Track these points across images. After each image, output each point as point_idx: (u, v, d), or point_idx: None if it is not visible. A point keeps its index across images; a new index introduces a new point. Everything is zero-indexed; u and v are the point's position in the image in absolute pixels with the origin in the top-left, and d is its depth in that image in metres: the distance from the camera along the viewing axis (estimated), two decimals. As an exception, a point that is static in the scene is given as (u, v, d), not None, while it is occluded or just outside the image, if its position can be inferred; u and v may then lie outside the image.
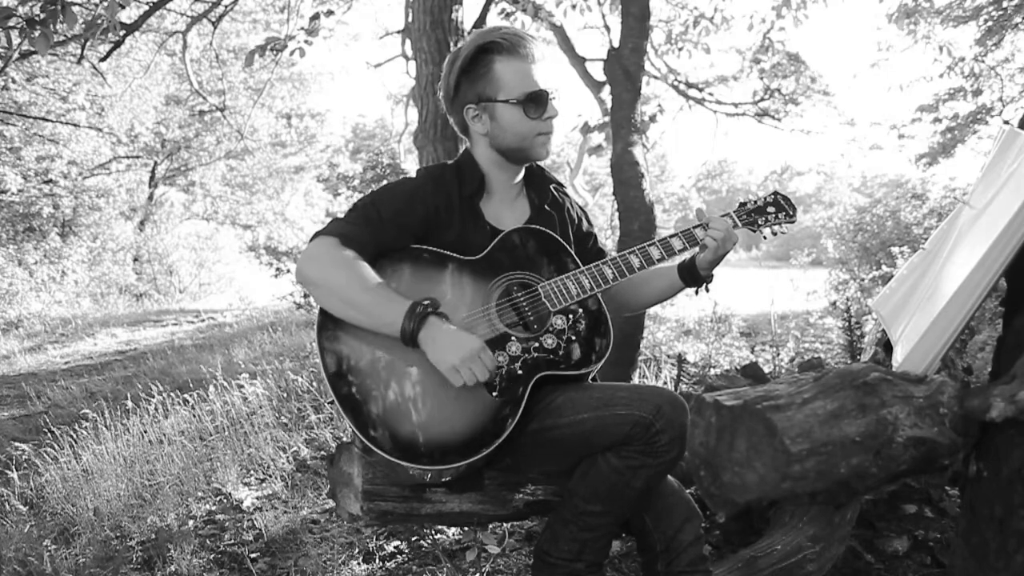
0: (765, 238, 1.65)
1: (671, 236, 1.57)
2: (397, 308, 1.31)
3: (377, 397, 1.34)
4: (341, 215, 1.46)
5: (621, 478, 1.35)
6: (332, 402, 1.35)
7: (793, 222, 1.65)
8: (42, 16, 2.81)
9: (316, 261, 1.36)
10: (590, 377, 1.54)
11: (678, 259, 1.61)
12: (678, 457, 1.34)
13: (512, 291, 1.48)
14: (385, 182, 1.56)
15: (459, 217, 1.51)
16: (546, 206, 1.64)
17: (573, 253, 1.57)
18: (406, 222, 1.45)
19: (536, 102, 1.47)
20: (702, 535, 1.50)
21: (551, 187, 1.67)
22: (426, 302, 1.33)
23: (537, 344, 1.44)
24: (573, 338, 1.47)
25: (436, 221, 1.48)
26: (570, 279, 1.49)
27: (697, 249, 1.58)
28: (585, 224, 1.72)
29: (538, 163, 1.67)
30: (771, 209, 1.63)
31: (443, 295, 1.41)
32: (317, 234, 1.41)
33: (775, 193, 1.65)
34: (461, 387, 1.34)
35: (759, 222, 1.62)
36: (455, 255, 1.48)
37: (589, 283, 1.49)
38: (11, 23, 2.81)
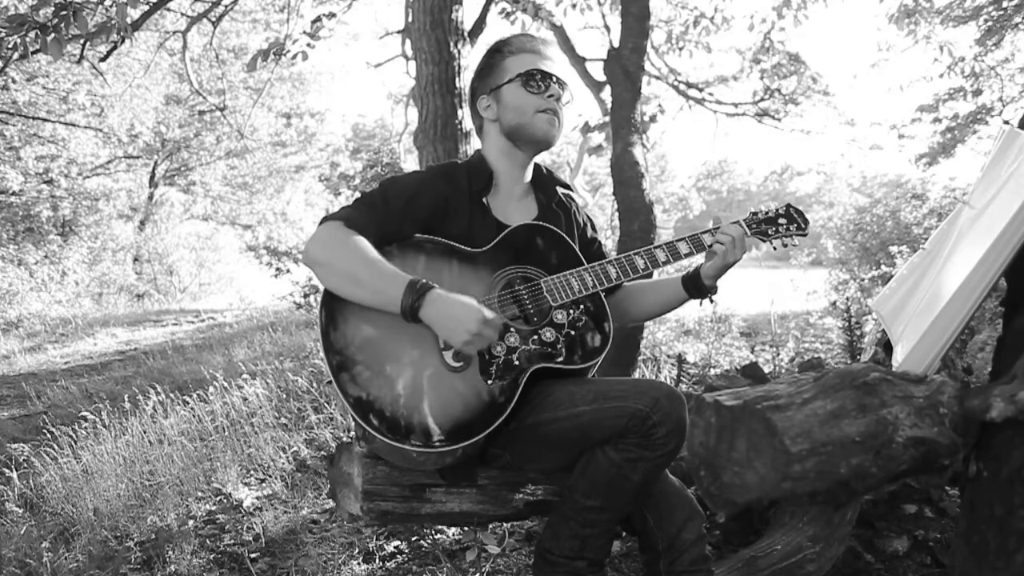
0: (775, 248, 1.66)
1: (678, 240, 1.58)
2: (398, 284, 1.34)
3: (376, 379, 1.35)
4: (349, 204, 1.50)
5: (619, 471, 1.35)
6: (330, 382, 1.36)
7: (804, 235, 1.66)
8: (55, 21, 2.83)
9: (322, 242, 1.40)
10: (589, 374, 1.54)
11: (684, 264, 1.62)
12: (676, 450, 1.34)
13: (515, 284, 1.50)
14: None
15: (467, 211, 1.53)
16: (553, 205, 1.67)
17: (578, 251, 1.58)
18: (412, 210, 1.47)
19: (535, 77, 1.52)
20: (704, 534, 1.51)
21: (558, 188, 1.70)
22: (425, 279, 1.35)
23: (536, 336, 1.46)
24: (572, 333, 1.49)
25: (444, 212, 1.51)
26: (573, 276, 1.51)
27: (704, 255, 1.59)
28: (590, 230, 1.74)
29: (547, 168, 1.71)
30: (782, 220, 1.64)
31: (446, 284, 1.42)
32: (325, 219, 1.45)
33: (787, 205, 1.67)
34: (458, 372, 1.37)
35: (769, 232, 1.63)
36: (460, 246, 1.50)
37: (592, 281, 1.51)
38: (23, 29, 2.83)
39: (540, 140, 1.56)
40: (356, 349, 1.37)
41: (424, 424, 1.34)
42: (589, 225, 1.75)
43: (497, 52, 1.58)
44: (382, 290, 1.35)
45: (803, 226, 1.65)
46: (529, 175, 1.65)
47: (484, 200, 1.57)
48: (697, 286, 1.61)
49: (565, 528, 1.42)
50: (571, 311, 1.50)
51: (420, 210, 1.48)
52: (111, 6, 3.34)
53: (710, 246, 1.57)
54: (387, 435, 1.31)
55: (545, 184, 1.68)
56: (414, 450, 1.32)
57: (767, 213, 1.65)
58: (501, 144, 1.59)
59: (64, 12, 2.82)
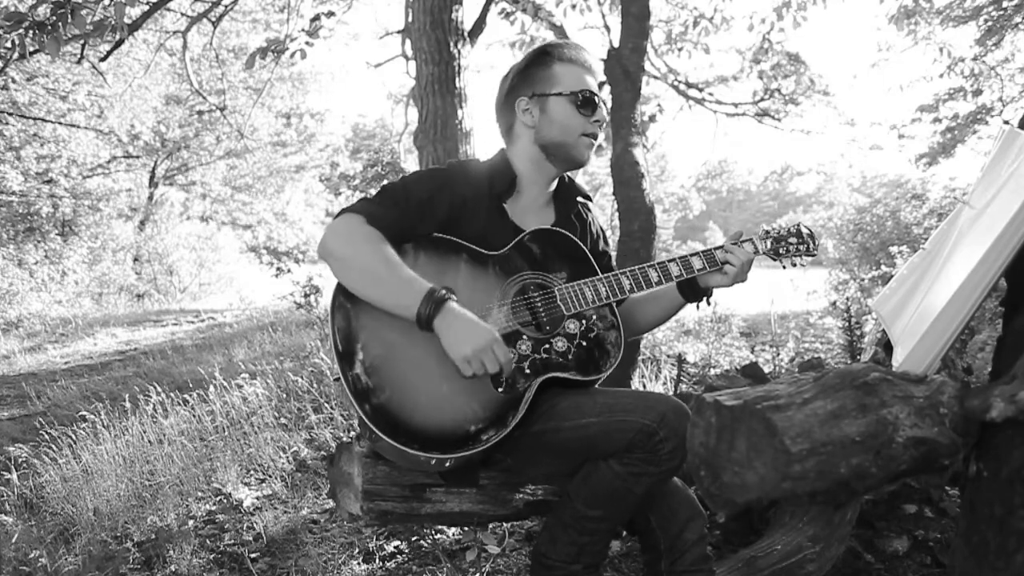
0: (784, 267, 1.66)
1: (692, 255, 1.58)
2: (416, 291, 1.32)
3: (385, 380, 1.34)
4: (368, 196, 1.48)
5: (623, 484, 1.35)
6: (337, 379, 1.35)
7: (813, 255, 1.67)
8: (52, 19, 2.83)
9: (341, 236, 1.38)
10: (597, 384, 1.54)
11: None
12: (680, 465, 1.34)
13: (528, 290, 1.49)
14: (386, 181, 1.58)
15: (485, 213, 1.52)
16: (572, 215, 1.66)
17: (593, 261, 1.57)
18: (432, 208, 1.46)
19: (588, 100, 1.51)
20: (706, 535, 1.50)
21: (578, 199, 1.69)
22: (443, 289, 1.34)
23: (548, 345, 1.45)
24: (584, 343, 1.47)
25: (462, 212, 1.49)
26: (587, 285, 1.49)
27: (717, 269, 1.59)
28: (602, 243, 1.72)
29: (570, 176, 1.70)
30: (793, 240, 1.64)
31: (459, 285, 1.42)
32: (343, 211, 1.42)
33: (798, 224, 1.67)
34: (468, 379, 1.35)
35: (780, 251, 1.63)
36: (476, 248, 1.49)
37: (606, 291, 1.50)
38: (22, 27, 2.83)
39: (577, 162, 1.56)
40: (367, 349, 1.36)
41: (431, 428, 1.33)
42: (601, 238, 1.73)
43: (546, 55, 1.54)
44: (400, 294, 1.33)
45: (812, 246, 1.66)
46: (554, 184, 1.64)
47: (503, 204, 1.55)
48: (694, 289, 1.61)
49: (563, 535, 1.42)
50: (583, 321, 1.49)
51: (439, 209, 1.46)
52: (109, 5, 3.34)
53: (723, 263, 1.56)
54: (392, 437, 1.29)
55: (566, 194, 1.67)
56: (420, 454, 1.31)
57: (778, 232, 1.65)
58: (532, 153, 1.56)
59: (62, 10, 2.82)
